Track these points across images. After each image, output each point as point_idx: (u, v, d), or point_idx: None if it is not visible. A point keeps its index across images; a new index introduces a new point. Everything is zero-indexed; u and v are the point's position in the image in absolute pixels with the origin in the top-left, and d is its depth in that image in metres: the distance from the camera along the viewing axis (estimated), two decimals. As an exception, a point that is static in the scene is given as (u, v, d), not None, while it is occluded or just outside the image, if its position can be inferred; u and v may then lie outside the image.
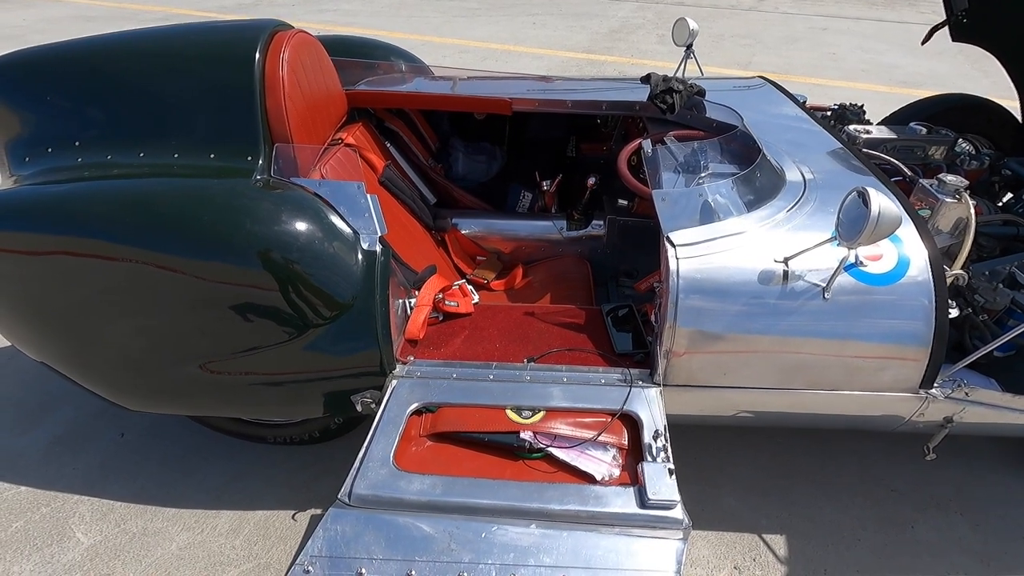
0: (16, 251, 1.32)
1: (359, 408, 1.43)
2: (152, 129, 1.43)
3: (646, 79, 1.90)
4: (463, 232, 2.18)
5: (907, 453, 1.82)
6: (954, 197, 1.50)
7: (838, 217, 1.21)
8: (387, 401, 1.34)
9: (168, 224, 1.29)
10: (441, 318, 1.59)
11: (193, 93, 1.43)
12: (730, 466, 1.80)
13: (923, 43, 2.51)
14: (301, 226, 1.32)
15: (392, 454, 1.21)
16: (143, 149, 1.43)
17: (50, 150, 1.47)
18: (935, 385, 1.35)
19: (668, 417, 1.35)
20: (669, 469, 1.18)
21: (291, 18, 7.25)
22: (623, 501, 1.15)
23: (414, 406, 1.32)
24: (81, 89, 1.46)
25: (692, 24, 2.12)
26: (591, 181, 2.11)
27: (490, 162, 2.39)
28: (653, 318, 1.45)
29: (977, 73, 5.37)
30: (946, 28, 2.36)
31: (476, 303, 1.67)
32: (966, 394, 1.35)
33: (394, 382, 1.38)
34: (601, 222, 2.14)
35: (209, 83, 1.43)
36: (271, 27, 1.51)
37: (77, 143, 1.46)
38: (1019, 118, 2.38)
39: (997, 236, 1.73)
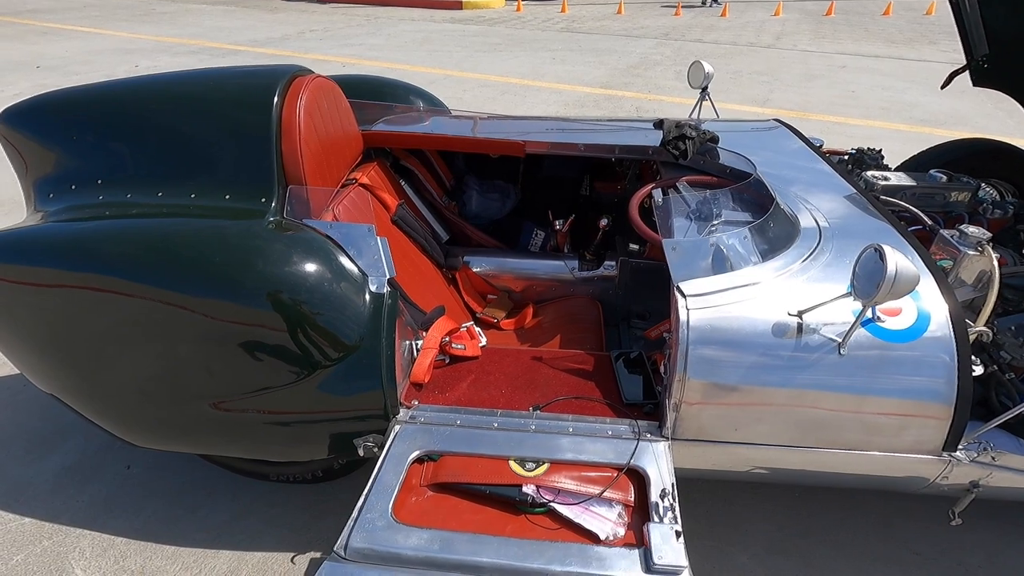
0: (35, 284, 1.35)
1: (361, 452, 1.41)
2: (171, 170, 1.47)
3: (659, 125, 1.91)
4: (475, 270, 2.18)
5: (933, 512, 1.74)
6: (976, 249, 1.46)
7: (854, 272, 1.18)
8: (389, 447, 1.32)
9: (182, 263, 1.31)
10: (448, 361, 1.58)
11: (212, 136, 1.46)
12: (745, 521, 1.73)
13: (943, 87, 2.49)
14: (310, 267, 1.33)
15: (391, 505, 1.19)
16: (162, 189, 1.47)
17: (74, 187, 1.52)
18: (959, 448, 1.29)
19: (678, 471, 1.31)
20: (676, 531, 1.13)
21: (319, 52, 7.54)
22: (627, 564, 1.10)
23: (416, 454, 1.30)
24: (106, 130, 1.51)
25: (707, 67, 2.13)
26: (603, 223, 2.10)
27: (504, 200, 2.41)
28: (663, 368, 1.42)
29: (1001, 113, 5.30)
30: (967, 72, 2.34)
31: (483, 346, 1.65)
32: (993, 458, 1.29)
33: (397, 427, 1.37)
34: (613, 263, 2.13)
35: (228, 127, 1.47)
36: (290, 73, 1.55)
37: (99, 181, 1.50)
38: (1044, 164, 2.33)
39: (1023, 288, 1.67)
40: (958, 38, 2.25)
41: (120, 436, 1.53)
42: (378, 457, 1.32)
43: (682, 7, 11.37)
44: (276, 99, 1.47)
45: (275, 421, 1.42)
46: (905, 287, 1.06)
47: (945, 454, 1.29)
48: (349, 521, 1.17)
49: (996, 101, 5.57)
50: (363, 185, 1.81)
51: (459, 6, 11.20)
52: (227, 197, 1.44)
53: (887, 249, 1.07)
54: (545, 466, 1.27)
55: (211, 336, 1.32)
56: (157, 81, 1.58)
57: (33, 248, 1.38)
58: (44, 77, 6.15)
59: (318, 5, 11.51)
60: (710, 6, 11.90)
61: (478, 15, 10.77)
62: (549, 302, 2.18)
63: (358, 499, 1.21)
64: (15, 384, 2.19)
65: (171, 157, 1.47)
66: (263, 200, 1.43)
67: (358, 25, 9.54)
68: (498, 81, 6.29)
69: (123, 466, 1.89)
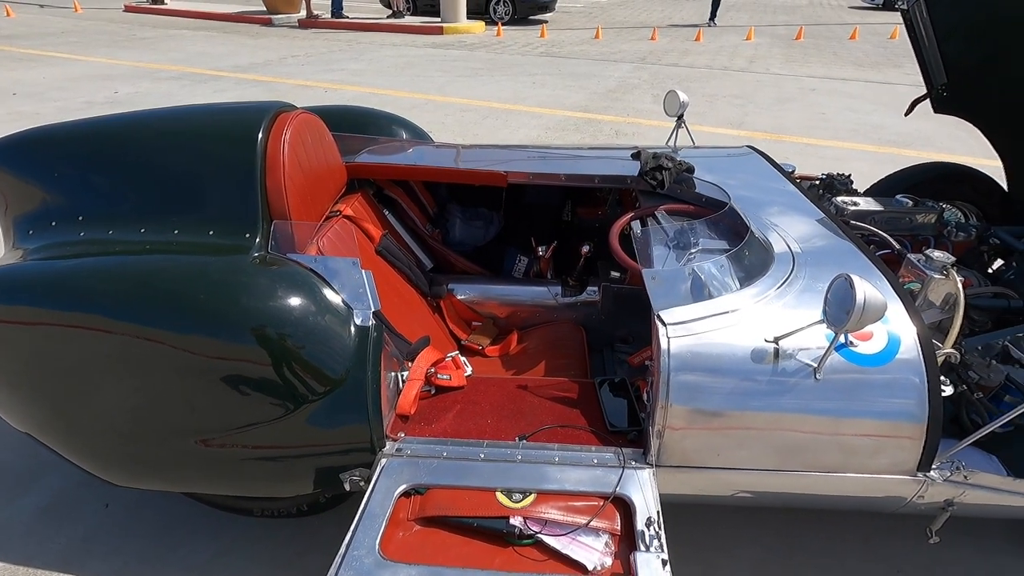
0: (12, 322, 1.33)
1: (347, 487, 1.41)
2: (154, 206, 1.47)
3: (636, 155, 1.96)
4: (459, 297, 2.20)
5: (913, 531, 1.77)
6: (941, 273, 1.52)
7: (826, 300, 1.22)
8: (376, 481, 1.32)
9: (165, 300, 1.31)
10: (433, 391, 1.59)
11: (196, 172, 1.47)
12: (732, 544, 1.74)
13: (906, 114, 2.60)
14: (295, 302, 1.33)
15: (378, 541, 1.18)
16: (144, 225, 1.47)
17: (54, 224, 1.51)
18: (933, 468, 1.32)
19: (664, 497, 1.32)
20: (663, 560, 1.14)
21: (301, 77, 7.57)
22: (615, 594, 1.11)
23: (403, 487, 1.30)
24: (88, 167, 1.51)
25: (683, 96, 2.20)
26: (585, 249, 2.14)
27: (487, 227, 2.44)
28: (645, 396, 1.44)
29: (963, 133, 5.52)
30: (928, 100, 2.45)
31: (469, 375, 1.66)
32: (965, 477, 1.33)
33: (383, 461, 1.36)
34: (596, 288, 2.16)
35: (212, 162, 1.48)
36: (275, 109, 1.58)
37: (81, 218, 1.49)
38: (1005, 186, 2.44)
39: (988, 309, 1.74)
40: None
41: (99, 475, 1.50)
42: (364, 491, 1.32)
43: (658, 31, 11.70)
44: (261, 135, 1.49)
45: (260, 457, 1.41)
46: (874, 315, 1.11)
47: (920, 474, 1.32)
48: (336, 558, 1.16)
49: (960, 121, 5.80)
50: (347, 217, 1.82)
51: (440, 31, 11.37)
52: (211, 233, 1.44)
53: (856, 279, 1.12)
54: (532, 497, 1.28)
55: (195, 372, 1.31)
56: (140, 117, 1.59)
57: (11, 286, 1.36)
58: (20, 104, 6.09)
59: (300, 31, 11.60)
60: (710, 25, 12.65)
61: (459, 40, 10.94)
62: (533, 328, 2.20)
63: (345, 535, 1.21)
64: (-12, 422, 2.13)
65: (154, 193, 1.47)
66: (247, 235, 1.44)
67: (340, 51, 9.63)
68: (480, 105, 6.38)
69: (101, 504, 1.84)
